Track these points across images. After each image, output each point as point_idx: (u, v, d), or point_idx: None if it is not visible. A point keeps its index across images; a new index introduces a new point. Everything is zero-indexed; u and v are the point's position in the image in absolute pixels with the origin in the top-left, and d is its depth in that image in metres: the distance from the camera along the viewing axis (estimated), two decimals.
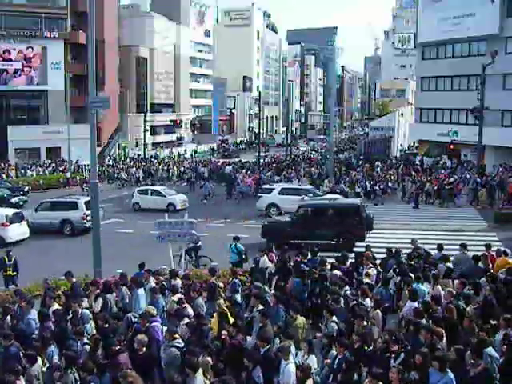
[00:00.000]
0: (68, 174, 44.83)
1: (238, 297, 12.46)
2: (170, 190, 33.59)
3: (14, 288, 13.96)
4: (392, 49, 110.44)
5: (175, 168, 47.99)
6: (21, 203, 32.75)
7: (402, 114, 64.39)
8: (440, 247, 15.07)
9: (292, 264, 14.26)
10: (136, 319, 10.35)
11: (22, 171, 46.79)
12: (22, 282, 14.53)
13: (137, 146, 66.49)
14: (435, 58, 48.81)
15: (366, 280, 12.43)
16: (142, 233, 24.14)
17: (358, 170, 41.24)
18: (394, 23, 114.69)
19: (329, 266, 13.78)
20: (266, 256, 15.01)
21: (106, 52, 56.92)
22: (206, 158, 63.56)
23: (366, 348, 8.57)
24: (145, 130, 60.30)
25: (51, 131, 51.96)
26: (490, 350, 8.13)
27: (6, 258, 16.45)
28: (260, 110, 72.30)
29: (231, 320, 10.17)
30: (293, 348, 8.63)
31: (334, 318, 9.91)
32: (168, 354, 8.69)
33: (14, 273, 16.26)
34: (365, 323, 9.45)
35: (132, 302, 11.73)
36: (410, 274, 12.28)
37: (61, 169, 48.06)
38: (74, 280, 13.10)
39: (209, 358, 8.12)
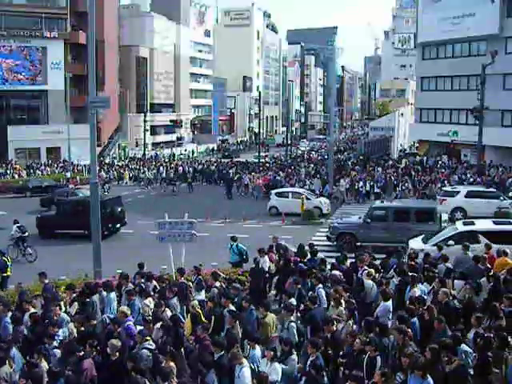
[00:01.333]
0: (68, 174, 44.83)
1: (203, 294, 12.31)
2: (311, 193, 31.39)
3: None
4: (392, 49, 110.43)
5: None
6: None
7: (402, 114, 64.36)
8: (440, 247, 15.07)
9: (292, 264, 14.26)
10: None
11: (31, 171, 46.82)
12: (22, 281, 14.50)
13: (137, 146, 66.51)
14: (435, 57, 48.81)
15: (367, 280, 12.41)
16: (142, 233, 24.17)
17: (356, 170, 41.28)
18: (394, 23, 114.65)
19: (329, 266, 13.82)
20: (266, 256, 15.01)
21: (106, 52, 56.93)
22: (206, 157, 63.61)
23: (336, 351, 8.49)
24: (145, 130, 60.33)
25: (51, 131, 51.99)
26: (463, 346, 8.32)
27: (7, 259, 16.42)
28: (260, 110, 72.39)
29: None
30: (258, 351, 8.52)
31: (292, 317, 9.74)
32: (139, 356, 8.56)
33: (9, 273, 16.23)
34: (334, 328, 9.25)
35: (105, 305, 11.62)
36: (411, 274, 12.30)
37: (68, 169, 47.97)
38: (47, 281, 12.83)
39: (172, 364, 7.92)
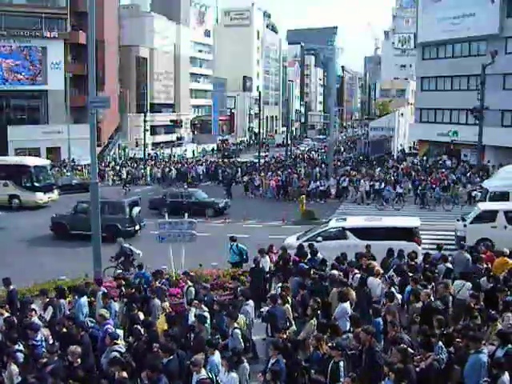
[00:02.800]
0: (69, 174, 44.82)
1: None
2: None
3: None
4: (392, 49, 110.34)
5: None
6: None
7: (402, 114, 64.37)
8: (440, 247, 15.09)
9: (292, 264, 14.27)
10: (92, 324, 10.26)
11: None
12: (22, 282, 14.51)
13: (137, 146, 66.47)
14: (435, 57, 48.83)
15: (375, 279, 12.40)
16: (142, 233, 24.19)
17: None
18: (394, 23, 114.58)
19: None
20: (266, 256, 15.01)
21: (106, 52, 56.90)
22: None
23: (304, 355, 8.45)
24: (145, 130, 60.21)
25: (51, 131, 51.94)
26: (440, 343, 8.47)
27: None
28: (260, 110, 72.29)
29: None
30: (217, 357, 8.42)
31: (236, 324, 9.62)
32: (109, 359, 8.49)
33: None
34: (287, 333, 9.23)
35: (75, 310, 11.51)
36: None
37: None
38: (12, 287, 12.62)
39: (124, 374, 7.78)
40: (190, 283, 12.60)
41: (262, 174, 40.69)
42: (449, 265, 13.45)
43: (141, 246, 21.04)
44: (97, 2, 16.71)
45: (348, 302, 10.92)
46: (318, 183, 35.39)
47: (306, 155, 63.21)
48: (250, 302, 11.43)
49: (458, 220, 21.53)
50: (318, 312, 10.30)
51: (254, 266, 14.67)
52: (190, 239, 15.14)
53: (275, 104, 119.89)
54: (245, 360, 8.46)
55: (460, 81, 45.81)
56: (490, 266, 13.46)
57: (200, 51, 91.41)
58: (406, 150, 60.18)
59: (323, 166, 44.09)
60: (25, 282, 14.61)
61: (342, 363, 7.83)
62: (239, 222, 27.55)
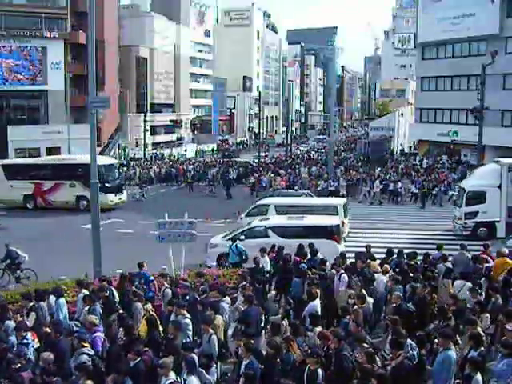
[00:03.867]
0: None
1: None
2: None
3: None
4: (392, 49, 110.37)
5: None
6: None
7: (402, 114, 64.38)
8: (439, 247, 15.09)
9: (292, 264, 14.26)
10: (78, 328, 10.13)
11: None
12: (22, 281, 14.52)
13: (137, 146, 66.49)
14: (435, 58, 48.85)
15: (382, 276, 12.43)
16: (142, 233, 24.18)
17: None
18: (394, 23, 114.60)
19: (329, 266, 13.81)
20: (266, 256, 15.00)
21: (106, 52, 56.85)
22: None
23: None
24: (145, 130, 60.34)
25: (51, 131, 51.85)
26: (409, 340, 8.53)
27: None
28: (260, 110, 72.40)
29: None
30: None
31: (211, 330, 9.47)
32: (78, 362, 8.37)
33: None
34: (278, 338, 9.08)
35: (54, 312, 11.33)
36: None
37: None
38: None
39: (89, 382, 7.60)
40: (166, 285, 12.28)
41: (272, 174, 40.05)
42: (449, 265, 13.45)
43: (141, 245, 21.07)
44: (97, 1, 16.70)
45: (317, 300, 11.01)
46: (327, 183, 35.14)
47: (306, 155, 63.19)
48: (227, 298, 11.33)
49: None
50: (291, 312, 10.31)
51: (253, 265, 14.68)
52: (189, 239, 15.14)
53: (275, 104, 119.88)
54: (214, 364, 8.37)
55: (460, 81, 45.81)
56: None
57: (200, 51, 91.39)
58: (406, 150, 60.17)
59: (323, 166, 44.11)
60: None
61: (320, 371, 7.68)
62: (239, 221, 27.49)
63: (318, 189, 34.46)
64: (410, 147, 62.42)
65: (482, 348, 8.21)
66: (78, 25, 55.19)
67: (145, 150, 60.41)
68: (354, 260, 14.37)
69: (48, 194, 32.07)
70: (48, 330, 9.63)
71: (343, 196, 34.14)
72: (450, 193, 31.46)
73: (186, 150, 69.69)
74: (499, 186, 22.05)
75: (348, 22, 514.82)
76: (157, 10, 78.12)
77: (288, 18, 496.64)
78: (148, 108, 69.26)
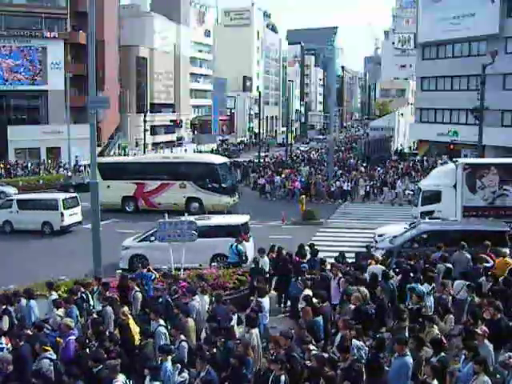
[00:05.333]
0: (69, 174, 44.87)
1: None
2: None
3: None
4: (392, 49, 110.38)
5: None
6: None
7: (402, 114, 64.45)
8: (439, 247, 15.09)
9: (292, 264, 14.27)
10: (49, 331, 10.01)
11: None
12: (22, 282, 14.49)
13: (137, 146, 66.47)
14: (435, 58, 48.83)
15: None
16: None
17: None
18: (394, 23, 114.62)
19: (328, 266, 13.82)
20: (265, 256, 15.01)
21: (106, 52, 56.88)
22: None
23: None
24: (145, 130, 60.30)
25: (51, 131, 51.96)
26: (355, 341, 8.60)
27: None
28: (260, 110, 72.34)
29: (136, 329, 9.91)
30: (170, 364, 8.23)
31: (182, 336, 9.36)
32: (40, 367, 8.27)
33: None
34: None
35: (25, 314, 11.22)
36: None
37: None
38: None
39: None
40: (136, 288, 12.09)
41: (283, 174, 38.75)
42: (449, 265, 13.45)
43: None
44: (97, 1, 16.71)
45: (267, 298, 11.12)
46: (340, 183, 34.87)
47: (305, 155, 63.14)
48: (196, 297, 11.27)
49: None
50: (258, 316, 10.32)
51: (253, 266, 14.69)
52: (189, 239, 15.16)
53: (275, 104, 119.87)
54: (186, 371, 8.28)
55: (460, 81, 45.79)
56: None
57: (200, 51, 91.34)
58: (406, 150, 60.18)
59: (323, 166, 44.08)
60: (25, 282, 14.58)
61: (283, 377, 7.60)
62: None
63: (332, 189, 34.27)
64: (410, 147, 62.44)
65: (443, 354, 8.07)
66: (77, 25, 55.23)
67: (145, 149, 60.36)
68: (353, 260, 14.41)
69: (153, 195, 29.61)
70: (29, 332, 9.52)
71: (363, 198, 33.70)
72: (406, 192, 31.77)
73: (186, 150, 69.68)
74: (454, 186, 22.11)
75: (348, 22, 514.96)
76: (157, 10, 78.05)
77: (288, 18, 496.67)
78: (148, 108, 69.23)
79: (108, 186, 28.71)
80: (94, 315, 10.79)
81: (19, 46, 53.15)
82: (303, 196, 30.39)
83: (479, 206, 21.53)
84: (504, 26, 41.15)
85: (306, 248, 15.76)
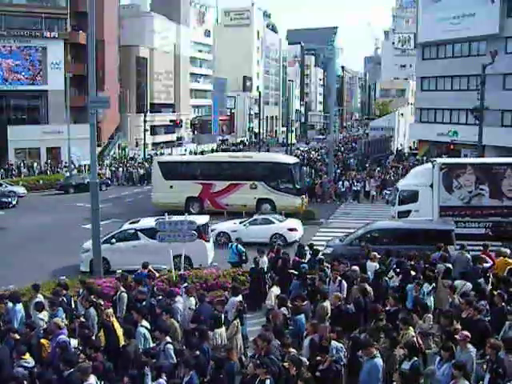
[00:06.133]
0: (68, 174, 44.88)
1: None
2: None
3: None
4: (392, 49, 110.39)
5: None
6: None
7: (402, 114, 64.41)
8: (439, 247, 15.09)
9: (292, 264, 14.28)
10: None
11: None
12: (21, 281, 14.50)
13: (137, 146, 66.49)
14: (435, 58, 48.79)
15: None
16: None
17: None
18: (394, 23, 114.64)
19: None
20: (264, 256, 15.02)
21: (106, 52, 56.89)
22: None
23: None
24: (145, 130, 60.31)
25: (51, 131, 51.92)
26: (334, 343, 8.63)
27: None
28: (260, 110, 72.36)
29: (121, 330, 9.82)
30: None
31: (167, 338, 9.24)
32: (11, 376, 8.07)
33: None
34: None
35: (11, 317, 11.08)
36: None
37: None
38: None
39: None
40: (122, 289, 11.99)
41: None
42: (448, 265, 13.46)
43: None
44: (97, 1, 16.72)
45: (240, 296, 11.10)
46: (348, 183, 34.62)
47: (306, 155, 63.08)
48: (179, 298, 11.21)
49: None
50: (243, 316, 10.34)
51: (253, 266, 14.69)
52: (189, 239, 15.16)
53: (275, 104, 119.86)
54: (164, 377, 8.22)
55: (460, 81, 45.76)
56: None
57: (200, 51, 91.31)
58: (406, 150, 60.16)
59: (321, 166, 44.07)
60: (25, 282, 14.58)
61: (268, 382, 7.57)
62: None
63: (342, 190, 34.09)
64: (410, 147, 62.41)
65: (416, 358, 7.97)
66: (77, 25, 55.23)
67: (145, 149, 60.38)
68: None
69: (220, 196, 28.46)
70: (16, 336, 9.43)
71: (373, 198, 33.54)
72: (384, 191, 31.94)
73: (186, 150, 69.70)
74: (431, 186, 22.10)
75: (348, 22, 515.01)
76: (157, 10, 78.03)
77: (288, 18, 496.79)
78: (148, 108, 69.22)
79: (171, 187, 28.21)
80: (82, 318, 10.58)
81: (19, 46, 53.12)
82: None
83: (456, 206, 21.64)
84: (504, 25, 41.13)
85: (306, 248, 15.78)
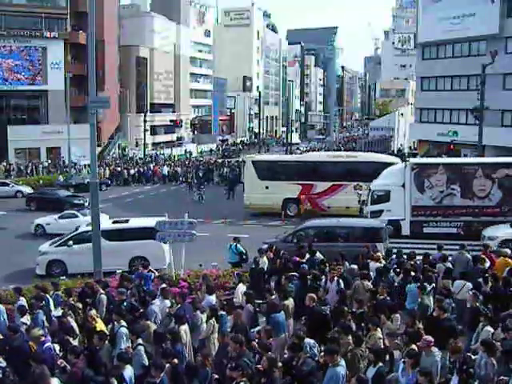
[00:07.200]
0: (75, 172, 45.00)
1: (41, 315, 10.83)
2: None
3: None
4: (392, 49, 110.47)
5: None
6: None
7: (402, 114, 64.45)
8: (439, 247, 15.10)
9: (292, 264, 14.26)
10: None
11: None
12: (22, 282, 14.50)
13: (137, 146, 66.49)
14: (435, 58, 48.78)
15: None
16: None
17: None
18: (394, 23, 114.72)
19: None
20: (264, 256, 15.01)
21: (106, 52, 56.90)
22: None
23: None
24: (145, 130, 60.33)
25: (51, 131, 51.95)
26: (307, 340, 8.69)
27: None
28: (260, 110, 72.39)
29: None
30: (128, 372, 8.04)
31: (139, 340, 9.09)
32: None
33: None
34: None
35: None
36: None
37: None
38: None
39: None
40: (101, 291, 11.91)
41: None
42: (448, 264, 13.46)
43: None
44: (97, 2, 16.70)
45: (214, 295, 11.23)
46: None
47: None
48: (156, 301, 11.13)
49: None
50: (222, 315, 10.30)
51: (253, 265, 14.68)
52: (189, 239, 15.16)
53: (275, 104, 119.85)
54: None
55: (460, 81, 45.76)
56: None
57: (200, 51, 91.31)
58: (406, 150, 60.17)
59: None
60: (25, 282, 14.59)
61: None
62: (239, 221, 27.50)
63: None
64: (410, 147, 62.42)
65: (381, 364, 7.89)
66: (77, 25, 55.27)
67: (145, 149, 60.41)
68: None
69: (321, 197, 27.50)
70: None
71: None
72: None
73: (186, 150, 69.72)
74: (403, 185, 22.21)
75: (348, 22, 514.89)
76: (157, 10, 78.04)
77: (288, 18, 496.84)
78: (148, 108, 69.20)
79: (266, 187, 27.33)
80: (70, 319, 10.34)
81: (19, 46, 53.14)
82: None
83: (428, 206, 21.84)
84: (504, 25, 41.11)
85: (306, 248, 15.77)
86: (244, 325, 9.78)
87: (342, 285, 12.18)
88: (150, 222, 19.17)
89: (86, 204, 30.81)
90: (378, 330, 9.23)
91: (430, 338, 8.34)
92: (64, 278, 15.22)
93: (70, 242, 18.17)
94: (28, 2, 54.32)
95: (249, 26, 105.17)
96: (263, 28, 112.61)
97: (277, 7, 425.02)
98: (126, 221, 19.32)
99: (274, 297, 11.10)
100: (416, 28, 52.69)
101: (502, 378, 7.46)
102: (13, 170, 47.39)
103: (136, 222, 19.35)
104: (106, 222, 19.17)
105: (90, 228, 18.27)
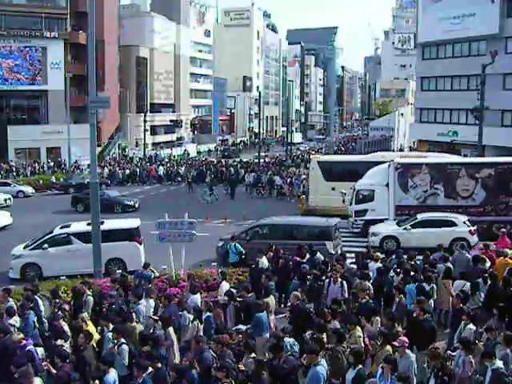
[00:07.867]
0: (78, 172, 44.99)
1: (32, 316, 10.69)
2: None
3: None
4: (392, 49, 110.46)
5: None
6: None
7: (402, 114, 64.43)
8: (440, 247, 15.09)
9: (292, 264, 14.27)
10: None
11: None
12: (22, 281, 14.49)
13: (137, 146, 66.50)
14: (435, 58, 48.78)
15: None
16: (142, 233, 24.14)
17: None
18: (394, 23, 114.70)
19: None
20: (263, 256, 15.00)
21: (106, 52, 56.90)
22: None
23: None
24: (145, 130, 60.32)
25: (51, 131, 51.96)
26: (286, 339, 8.74)
27: None
28: (260, 110, 72.34)
29: (96, 335, 9.67)
30: (112, 376, 7.97)
31: (121, 339, 9.10)
32: None
33: None
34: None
35: None
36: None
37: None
38: None
39: None
40: (88, 292, 11.86)
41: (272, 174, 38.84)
42: (449, 264, 13.46)
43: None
44: (97, 1, 16.71)
45: (198, 294, 11.31)
46: None
47: (306, 155, 63.09)
48: (143, 301, 11.10)
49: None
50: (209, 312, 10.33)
51: (253, 265, 14.68)
52: (189, 239, 15.15)
53: (275, 104, 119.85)
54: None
55: (460, 81, 45.76)
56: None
57: (200, 51, 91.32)
58: (406, 150, 60.15)
59: None
60: (25, 282, 14.59)
61: None
62: (239, 221, 27.49)
63: None
64: (410, 147, 62.41)
65: (361, 366, 7.92)
66: (77, 25, 55.25)
67: (145, 149, 60.41)
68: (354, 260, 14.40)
69: None
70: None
71: None
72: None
73: (185, 151, 69.71)
74: (387, 185, 22.26)
75: (348, 22, 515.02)
76: (157, 10, 78.04)
77: (288, 18, 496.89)
78: (148, 108, 69.20)
79: (333, 189, 26.85)
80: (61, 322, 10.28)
81: (19, 46, 53.14)
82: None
83: (411, 205, 21.86)
84: (504, 25, 41.11)
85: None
86: (224, 324, 9.85)
87: (346, 286, 12.18)
88: (125, 223, 19.50)
89: (137, 205, 31.02)
90: (358, 328, 9.27)
91: (405, 338, 8.38)
92: (64, 277, 15.20)
93: (45, 245, 17.77)
94: (28, 1, 54.33)
95: (249, 26, 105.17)
96: (263, 28, 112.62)
97: (277, 7, 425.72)
98: (101, 222, 18.74)
99: (250, 295, 11.19)
100: (416, 28, 52.69)
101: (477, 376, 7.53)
102: (12, 171, 47.28)
103: (111, 224, 19.05)
104: (80, 225, 18.92)
105: (64, 230, 18.43)
